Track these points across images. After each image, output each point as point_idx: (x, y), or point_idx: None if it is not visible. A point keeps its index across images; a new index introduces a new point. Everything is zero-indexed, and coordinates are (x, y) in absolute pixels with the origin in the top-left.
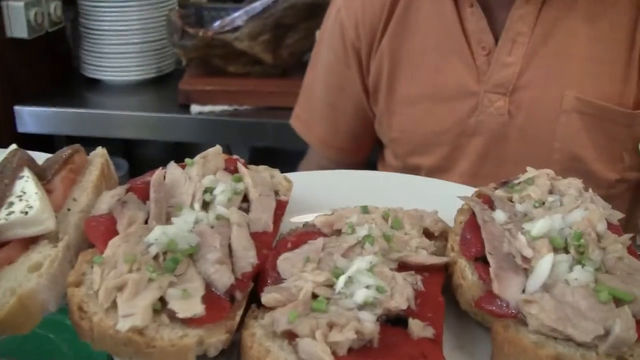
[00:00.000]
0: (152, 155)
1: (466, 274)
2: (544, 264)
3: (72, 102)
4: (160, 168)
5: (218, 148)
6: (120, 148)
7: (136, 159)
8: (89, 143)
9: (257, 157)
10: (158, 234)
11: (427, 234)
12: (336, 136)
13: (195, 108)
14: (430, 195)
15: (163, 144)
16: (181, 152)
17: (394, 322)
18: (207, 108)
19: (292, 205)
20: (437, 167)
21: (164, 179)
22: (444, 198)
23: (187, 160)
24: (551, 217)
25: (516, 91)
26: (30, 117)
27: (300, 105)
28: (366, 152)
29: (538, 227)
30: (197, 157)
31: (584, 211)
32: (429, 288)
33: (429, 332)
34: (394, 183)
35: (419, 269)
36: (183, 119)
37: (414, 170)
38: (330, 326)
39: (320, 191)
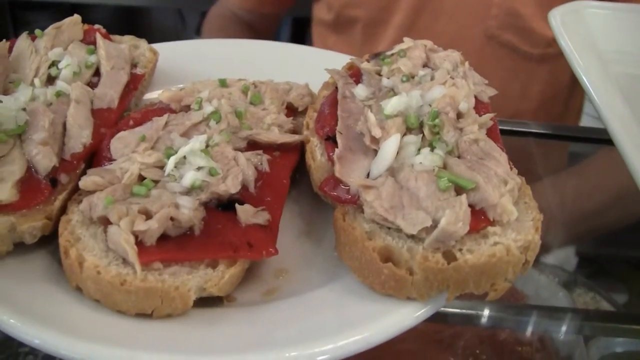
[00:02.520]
0: (102, 21)
1: (316, 154)
2: (389, 146)
3: None
4: (4, 40)
5: (76, 17)
6: (68, 13)
7: (85, 24)
8: (35, 7)
9: None
10: None
11: (293, 109)
12: None
13: None
14: (316, 66)
15: (112, 9)
16: (131, 16)
17: (226, 207)
18: None
19: (160, 77)
20: (373, 20)
21: (10, 51)
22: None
23: (37, 31)
24: (409, 93)
25: None
26: None
27: None
28: (287, 4)
29: (392, 104)
30: (50, 28)
31: (445, 87)
32: (276, 169)
33: (260, 218)
34: (280, 53)
35: (270, 148)
36: None
37: (350, 23)
38: (144, 213)
39: (194, 62)
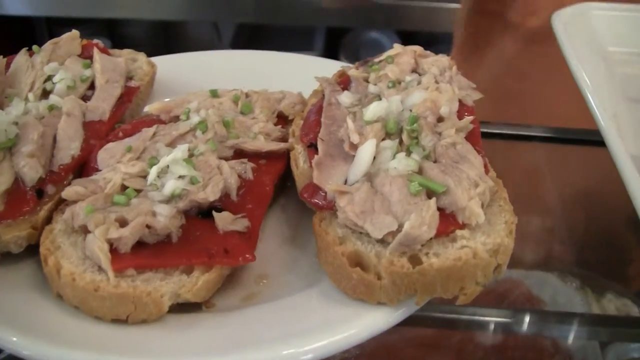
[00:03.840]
0: (137, 35)
1: (299, 161)
2: (364, 151)
3: None
4: (1, 56)
5: (74, 33)
6: (104, 28)
7: (121, 39)
8: (72, 24)
9: (242, 35)
10: None
11: (284, 117)
12: None
13: None
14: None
15: (148, 23)
16: (166, 30)
17: (206, 214)
18: None
19: (160, 89)
20: None
21: (7, 67)
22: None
23: (35, 46)
24: (389, 99)
25: None
26: None
27: None
28: None
29: (371, 110)
30: (47, 43)
31: (425, 92)
32: (261, 177)
33: (239, 225)
34: (280, 63)
35: (257, 156)
36: None
37: None
38: (121, 221)
39: (196, 74)
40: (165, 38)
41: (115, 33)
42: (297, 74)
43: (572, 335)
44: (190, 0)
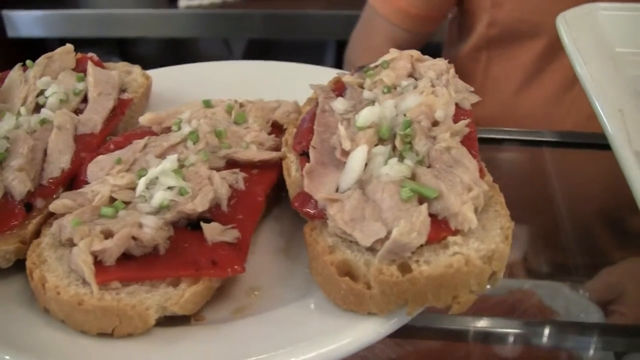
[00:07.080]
0: (149, 53)
1: (291, 170)
2: (355, 158)
3: (63, 3)
4: None
5: (68, 47)
6: (116, 48)
7: (133, 58)
8: (85, 44)
9: (253, 50)
10: None
11: (279, 126)
12: (419, 4)
13: (182, 2)
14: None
15: (159, 41)
16: (178, 48)
17: (196, 226)
18: (196, 1)
19: (157, 101)
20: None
21: (1, 83)
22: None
23: (28, 61)
24: (382, 104)
25: None
26: (21, 21)
27: None
28: (438, 24)
29: (363, 115)
30: (41, 58)
31: (420, 96)
32: (253, 187)
33: (229, 236)
34: (277, 72)
35: (249, 166)
36: (173, 14)
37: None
38: (107, 233)
39: (193, 85)
40: (177, 56)
41: (127, 52)
42: (294, 83)
43: (586, 346)
44: (200, 18)
